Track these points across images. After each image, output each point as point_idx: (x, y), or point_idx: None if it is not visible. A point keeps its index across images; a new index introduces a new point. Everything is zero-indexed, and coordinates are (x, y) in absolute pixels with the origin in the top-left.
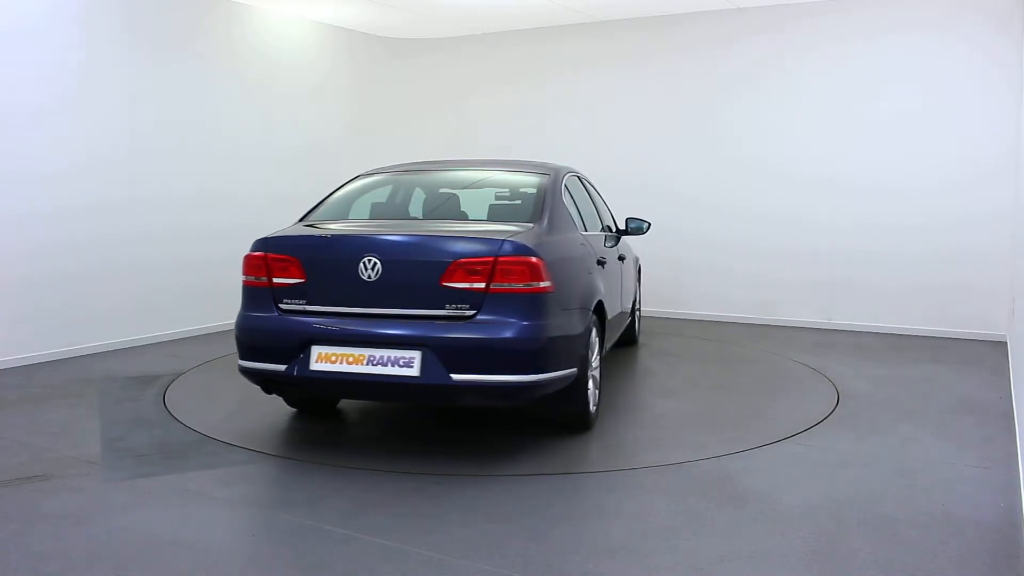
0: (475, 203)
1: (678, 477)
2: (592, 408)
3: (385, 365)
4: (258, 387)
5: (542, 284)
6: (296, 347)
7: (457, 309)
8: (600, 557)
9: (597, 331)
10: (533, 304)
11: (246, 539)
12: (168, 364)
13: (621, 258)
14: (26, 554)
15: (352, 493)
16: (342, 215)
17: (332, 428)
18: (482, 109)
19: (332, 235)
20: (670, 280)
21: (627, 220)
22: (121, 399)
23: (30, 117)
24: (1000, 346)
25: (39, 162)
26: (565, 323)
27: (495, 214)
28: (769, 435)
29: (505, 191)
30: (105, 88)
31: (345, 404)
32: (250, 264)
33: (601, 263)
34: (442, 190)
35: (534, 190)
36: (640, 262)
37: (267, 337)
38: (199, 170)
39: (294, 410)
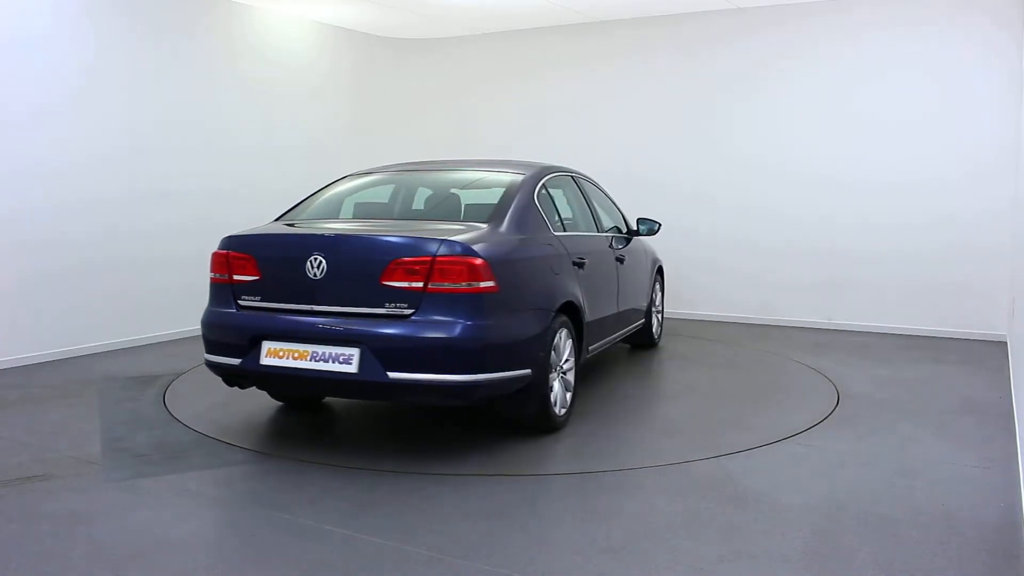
0: (451, 203)
1: (678, 477)
2: (561, 410)
3: (327, 361)
4: (258, 387)
5: (483, 284)
6: (249, 342)
7: (396, 308)
8: (600, 557)
9: (570, 333)
10: (472, 304)
11: (246, 539)
12: (168, 364)
13: (620, 259)
14: (26, 554)
15: (352, 493)
16: (318, 214)
17: (332, 428)
18: (482, 109)
19: (282, 234)
20: (670, 280)
21: (638, 221)
22: (121, 399)
23: (29, 117)
24: (1000, 346)
25: (39, 162)
26: (514, 324)
27: (466, 214)
28: (769, 435)
29: (477, 191)
30: (105, 88)
31: (345, 404)
32: (215, 261)
33: (579, 264)
34: (420, 191)
35: (503, 190)
36: (661, 263)
37: (225, 332)
38: (199, 170)
39: (294, 410)
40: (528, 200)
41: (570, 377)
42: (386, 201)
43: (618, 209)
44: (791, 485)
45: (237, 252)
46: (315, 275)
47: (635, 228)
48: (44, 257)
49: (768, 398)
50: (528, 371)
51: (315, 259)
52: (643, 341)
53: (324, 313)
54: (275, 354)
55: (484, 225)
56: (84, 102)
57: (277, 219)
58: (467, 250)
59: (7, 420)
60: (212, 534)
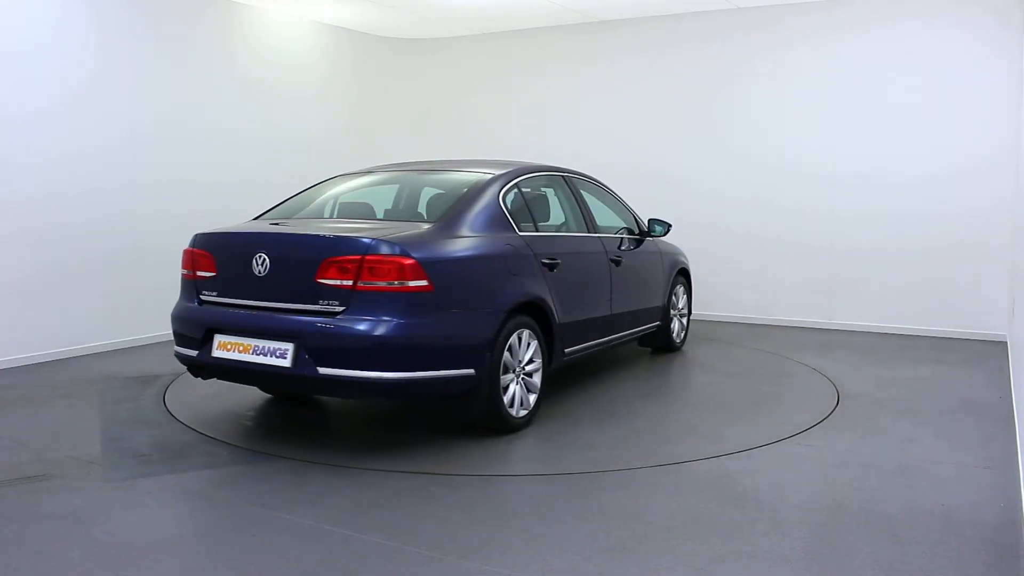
0: (412, 203)
1: (678, 477)
2: (520, 412)
3: (265, 355)
4: (257, 387)
5: (414, 283)
6: (204, 335)
7: (328, 305)
8: (600, 557)
9: (535, 334)
10: (401, 303)
11: (246, 539)
12: (168, 364)
13: (616, 261)
14: (26, 554)
15: (352, 493)
16: (289, 213)
17: (332, 428)
18: (482, 109)
19: (234, 232)
20: None
21: (649, 221)
22: (121, 399)
23: (29, 118)
24: (1000, 346)
25: (39, 162)
26: (452, 323)
27: (424, 215)
28: (769, 435)
29: (442, 191)
30: (105, 89)
31: (344, 404)
32: (184, 258)
33: (550, 265)
34: (391, 191)
35: (464, 191)
36: (685, 265)
37: (186, 325)
38: (200, 170)
39: (294, 411)
40: (489, 200)
41: (536, 379)
42: (357, 201)
43: (629, 210)
44: (791, 485)
45: (199, 249)
46: (260, 272)
47: (647, 229)
48: (44, 257)
49: (768, 398)
50: (472, 371)
51: (260, 257)
52: (660, 344)
53: (266, 309)
54: (224, 347)
55: (429, 225)
56: (85, 103)
57: (256, 217)
58: (396, 249)
59: (7, 420)
60: (212, 534)
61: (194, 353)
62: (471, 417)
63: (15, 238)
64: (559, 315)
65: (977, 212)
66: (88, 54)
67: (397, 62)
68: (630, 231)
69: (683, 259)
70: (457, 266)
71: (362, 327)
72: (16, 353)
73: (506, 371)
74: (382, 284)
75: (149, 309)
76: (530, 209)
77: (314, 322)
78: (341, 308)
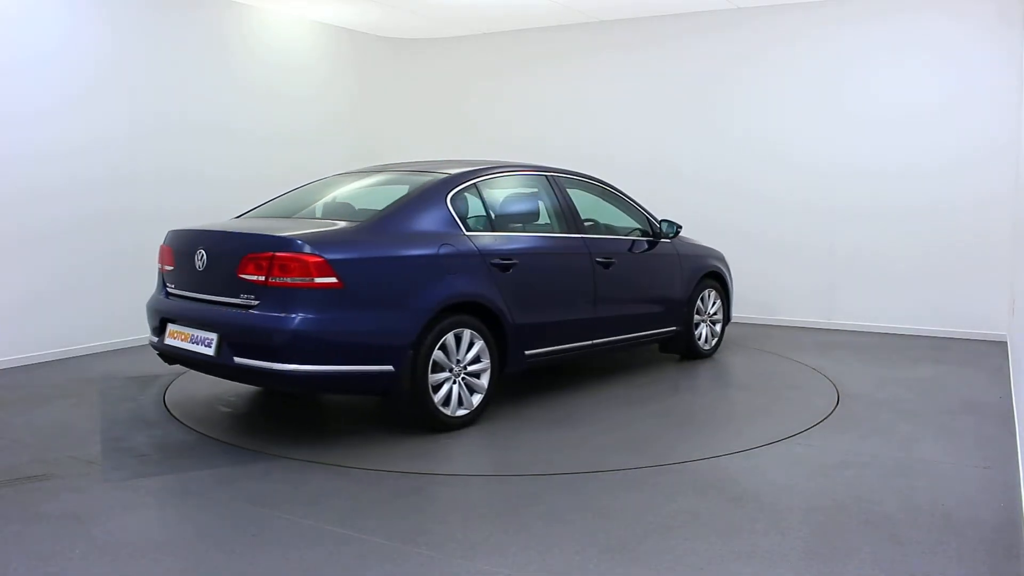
0: (351, 203)
1: (678, 477)
2: (460, 411)
3: (197, 344)
4: (257, 387)
5: (320, 280)
6: (160, 323)
7: (246, 299)
8: (600, 557)
9: (480, 335)
10: (309, 299)
11: (246, 539)
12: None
13: (604, 263)
14: (26, 554)
15: (352, 493)
16: (271, 211)
17: (332, 428)
18: (483, 108)
19: (186, 230)
20: None
21: (660, 223)
22: (121, 399)
23: (30, 118)
24: (1000, 346)
25: (39, 163)
26: (366, 320)
27: (358, 214)
28: (769, 435)
29: (391, 191)
30: (105, 90)
31: (344, 403)
32: (159, 253)
33: (503, 266)
34: (350, 191)
35: (407, 190)
36: (719, 269)
37: (150, 314)
38: (198, 172)
39: (294, 410)
40: (431, 201)
41: (483, 380)
42: (330, 201)
43: (641, 212)
44: (791, 485)
45: (165, 245)
46: (199, 267)
47: (661, 231)
48: (44, 257)
49: (768, 398)
50: (390, 368)
51: (199, 252)
52: (682, 351)
53: (202, 300)
54: (172, 335)
55: (355, 224)
56: (86, 104)
57: (239, 215)
58: (303, 247)
59: (7, 420)
60: (212, 534)
61: (155, 340)
62: (403, 414)
63: (15, 238)
64: (514, 316)
65: (977, 212)
66: (88, 54)
67: (397, 62)
68: (643, 232)
69: (715, 262)
70: (372, 265)
71: (271, 321)
72: (16, 353)
73: (441, 370)
74: (291, 280)
75: None
76: (488, 210)
77: (233, 314)
78: (256, 302)
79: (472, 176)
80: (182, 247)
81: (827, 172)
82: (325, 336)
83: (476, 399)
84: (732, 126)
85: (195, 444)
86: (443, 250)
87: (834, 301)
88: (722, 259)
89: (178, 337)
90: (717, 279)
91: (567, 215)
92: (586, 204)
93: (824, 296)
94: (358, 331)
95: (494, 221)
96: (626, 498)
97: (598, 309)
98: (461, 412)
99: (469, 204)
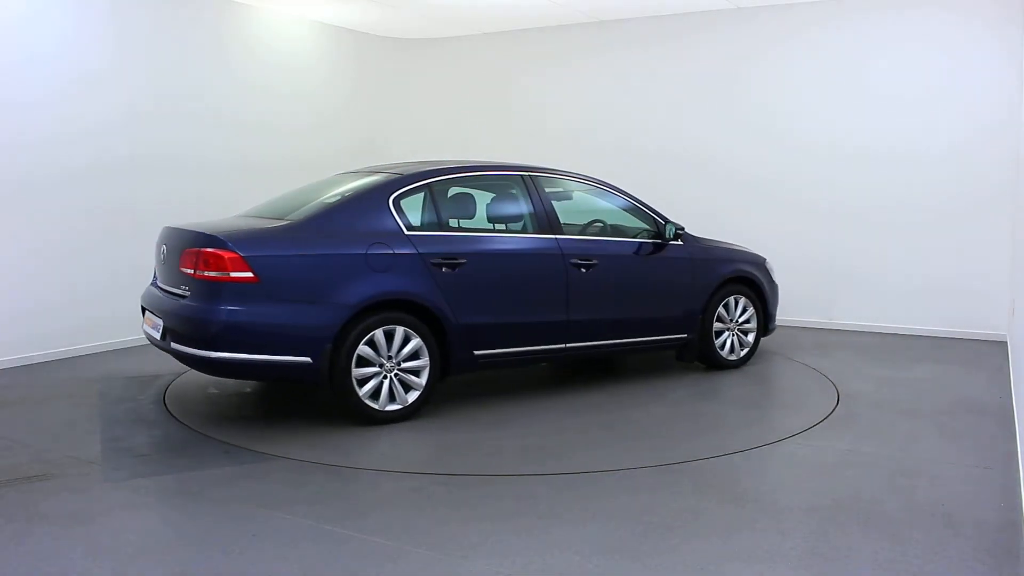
0: (305, 202)
1: (678, 477)
2: (392, 405)
3: (154, 329)
4: (257, 386)
5: (236, 274)
6: (142, 310)
7: (184, 290)
8: (600, 557)
9: (415, 333)
10: (225, 291)
11: (246, 539)
12: (168, 364)
13: (581, 265)
14: (26, 554)
15: (352, 493)
16: (257, 212)
17: (332, 428)
18: (483, 108)
19: (166, 227)
20: None
21: None
22: (121, 399)
23: (30, 120)
24: (1000, 346)
25: (40, 163)
26: (281, 314)
27: (301, 213)
28: (769, 435)
29: (345, 190)
30: (105, 91)
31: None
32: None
33: (447, 265)
34: (319, 190)
35: (351, 190)
36: (752, 275)
37: (142, 301)
38: (197, 172)
39: (293, 410)
40: (368, 201)
41: (420, 378)
42: (305, 200)
43: (650, 213)
44: (791, 485)
45: (158, 241)
46: (162, 260)
47: (666, 233)
48: (44, 256)
49: (768, 398)
50: (308, 359)
51: (163, 247)
52: (697, 359)
53: (163, 290)
54: (145, 321)
55: (285, 222)
56: (86, 104)
57: (243, 214)
58: (221, 243)
59: (7, 420)
60: (212, 534)
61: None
62: (339, 406)
63: (16, 238)
64: (458, 316)
65: (978, 213)
66: (88, 54)
67: (397, 62)
68: (649, 234)
69: (745, 267)
70: (289, 261)
71: (195, 311)
72: (16, 353)
73: (369, 364)
74: (212, 274)
75: None
76: (440, 211)
77: (172, 303)
78: (188, 293)
79: (426, 177)
80: (158, 242)
81: (827, 171)
82: (241, 327)
83: (412, 396)
84: (732, 126)
85: (195, 444)
86: (373, 249)
87: (834, 301)
88: (757, 263)
89: (147, 323)
90: (748, 285)
91: (540, 216)
92: (580, 206)
93: (824, 296)
94: (274, 323)
95: (445, 222)
96: (626, 498)
97: (572, 312)
98: (392, 407)
99: (417, 205)
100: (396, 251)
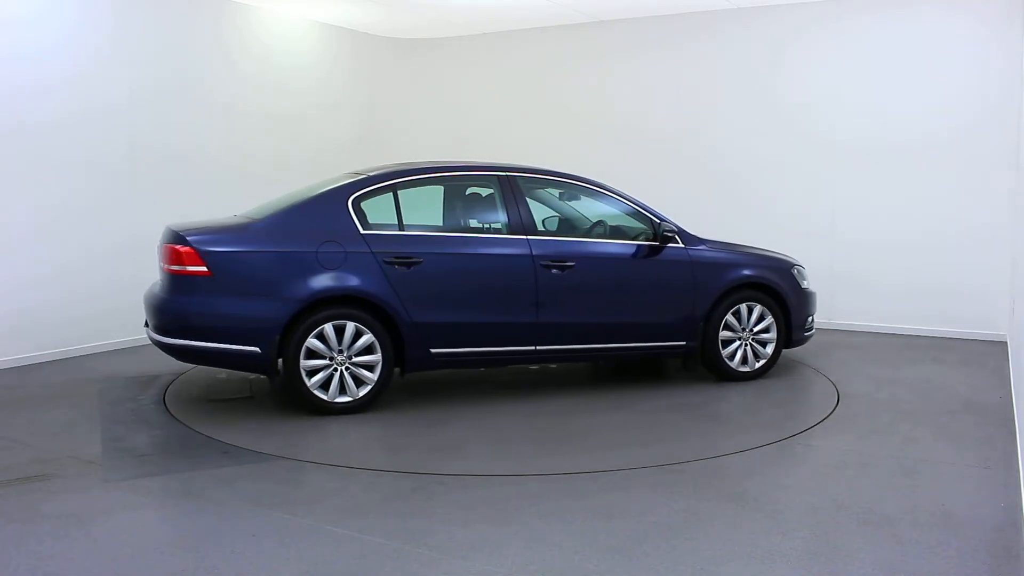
0: (278, 203)
1: (678, 477)
2: (341, 397)
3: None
4: (257, 387)
5: (191, 268)
6: None
7: (164, 282)
8: (600, 557)
9: (367, 329)
10: (182, 283)
11: (246, 539)
12: (168, 364)
13: (553, 267)
14: (26, 554)
15: (352, 493)
16: (248, 212)
17: (332, 428)
18: (483, 108)
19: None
20: None
21: None
22: (121, 399)
23: (29, 123)
24: (1000, 346)
25: (39, 163)
26: (234, 306)
27: (269, 212)
28: (769, 435)
29: (317, 190)
30: (105, 91)
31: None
32: None
33: (400, 263)
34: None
35: (318, 191)
36: (761, 279)
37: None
38: (197, 171)
39: (293, 410)
40: (328, 201)
41: (374, 373)
42: (280, 201)
43: (646, 215)
44: (791, 485)
45: None
46: (159, 257)
47: (660, 234)
48: (44, 257)
49: (768, 398)
50: (257, 349)
51: (159, 245)
52: (701, 366)
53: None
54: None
55: (248, 220)
56: (86, 105)
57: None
58: (180, 239)
59: (7, 420)
60: (212, 534)
61: None
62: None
63: (16, 238)
64: (411, 313)
65: (977, 213)
66: (88, 55)
67: (397, 62)
68: (645, 236)
69: (761, 273)
70: (243, 257)
71: (159, 300)
72: (16, 353)
73: (319, 357)
74: (175, 267)
75: None
76: (401, 211)
77: (152, 294)
78: (160, 284)
79: (391, 178)
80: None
81: (827, 172)
82: (194, 316)
83: (364, 390)
84: (732, 126)
85: (195, 444)
86: (324, 248)
87: (834, 301)
88: (780, 269)
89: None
90: (766, 291)
91: (513, 216)
92: (569, 206)
93: (824, 296)
94: (223, 314)
95: (405, 222)
96: (626, 498)
97: (542, 315)
98: (343, 399)
99: (380, 205)
100: (348, 249)
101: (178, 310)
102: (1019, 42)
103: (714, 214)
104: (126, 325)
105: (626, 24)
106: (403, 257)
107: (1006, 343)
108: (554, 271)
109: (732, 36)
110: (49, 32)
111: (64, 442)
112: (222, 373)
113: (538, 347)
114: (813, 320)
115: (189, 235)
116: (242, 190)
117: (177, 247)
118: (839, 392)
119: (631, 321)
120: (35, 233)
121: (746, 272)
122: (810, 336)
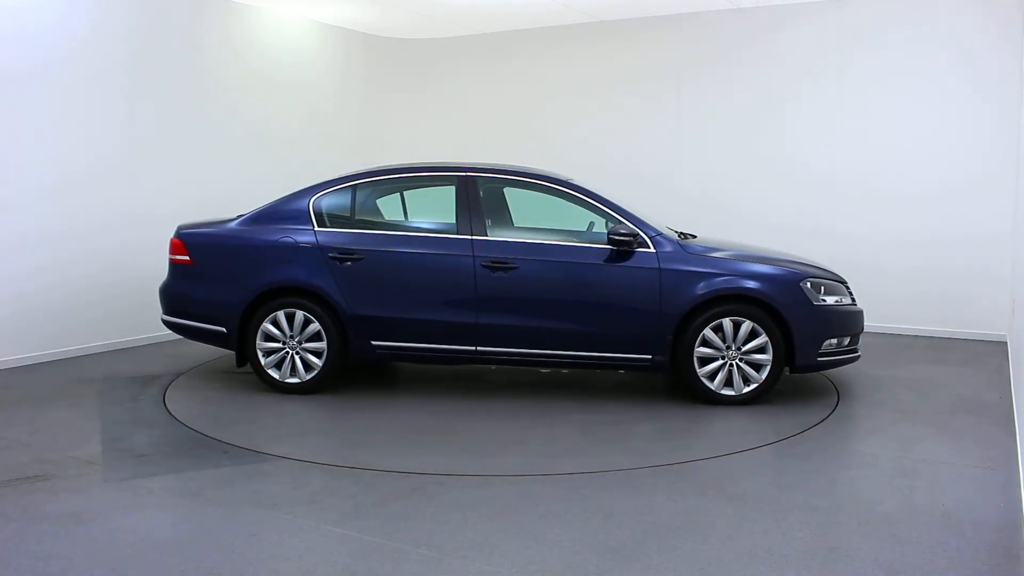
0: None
1: (678, 477)
2: (291, 379)
3: None
4: (257, 387)
5: (178, 257)
6: None
7: (168, 269)
8: (600, 557)
9: (316, 319)
10: (175, 270)
11: (246, 539)
12: (168, 364)
13: (496, 268)
14: (26, 554)
15: (352, 493)
16: (245, 212)
17: (332, 428)
18: (483, 109)
19: None
20: None
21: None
22: (121, 399)
23: (28, 123)
24: (1000, 346)
25: (40, 163)
26: (205, 291)
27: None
28: (769, 435)
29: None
30: (105, 91)
31: (343, 404)
32: None
33: (345, 259)
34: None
35: (291, 192)
36: (754, 292)
37: None
38: (198, 171)
39: (293, 410)
40: (294, 200)
41: (319, 359)
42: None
43: (618, 216)
44: (791, 485)
45: None
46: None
47: (627, 239)
48: (44, 258)
49: (768, 398)
50: (223, 329)
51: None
52: (675, 383)
53: None
54: None
55: (228, 219)
56: (86, 105)
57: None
58: (176, 232)
59: (7, 420)
60: (212, 534)
61: None
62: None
63: (16, 238)
64: (351, 306)
65: (978, 214)
66: (88, 55)
67: (397, 62)
68: (620, 241)
69: (751, 284)
70: (216, 249)
71: (163, 284)
72: (16, 353)
73: (273, 340)
74: (170, 257)
75: (149, 309)
76: (355, 210)
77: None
78: (167, 272)
79: (351, 180)
80: None
81: (826, 172)
82: (178, 297)
83: (311, 373)
84: (732, 125)
85: (195, 444)
86: (281, 243)
87: None
88: (783, 280)
89: None
90: (760, 306)
91: (463, 216)
92: (537, 206)
93: None
94: (200, 298)
95: (356, 220)
96: (626, 498)
97: (481, 315)
98: (292, 380)
99: (337, 204)
100: (300, 244)
101: (171, 292)
102: (1020, 42)
103: (713, 214)
104: (126, 325)
105: (627, 24)
106: (345, 253)
107: (1006, 343)
108: (497, 272)
109: (734, 38)
110: (47, 34)
111: (64, 442)
112: (218, 382)
113: (478, 347)
114: (845, 342)
115: (182, 230)
116: (242, 190)
117: (174, 239)
118: (839, 392)
119: (584, 329)
120: (35, 233)
121: (726, 283)
122: (837, 361)
